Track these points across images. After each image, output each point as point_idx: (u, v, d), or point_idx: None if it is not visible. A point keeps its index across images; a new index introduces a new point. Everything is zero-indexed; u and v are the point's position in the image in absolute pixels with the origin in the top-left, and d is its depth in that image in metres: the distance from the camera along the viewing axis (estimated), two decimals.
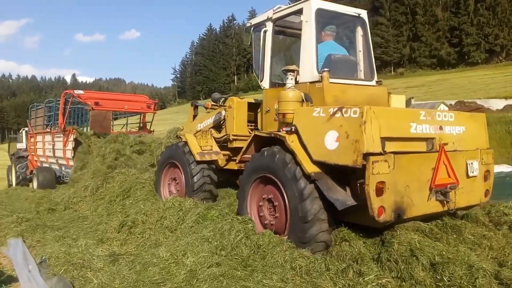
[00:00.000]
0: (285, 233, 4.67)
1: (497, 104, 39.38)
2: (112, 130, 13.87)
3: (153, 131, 13.74)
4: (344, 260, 4.14)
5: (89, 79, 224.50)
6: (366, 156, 3.96)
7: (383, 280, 3.61)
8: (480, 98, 42.26)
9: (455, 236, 4.48)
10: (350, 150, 4.07)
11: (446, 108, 39.61)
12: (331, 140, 4.30)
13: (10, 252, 5.12)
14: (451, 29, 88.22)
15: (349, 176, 4.34)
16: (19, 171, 15.22)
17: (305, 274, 3.83)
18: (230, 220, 4.73)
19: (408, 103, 44.58)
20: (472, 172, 4.89)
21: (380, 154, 4.04)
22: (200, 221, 5.12)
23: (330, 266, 3.88)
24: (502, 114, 26.88)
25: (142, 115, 14.20)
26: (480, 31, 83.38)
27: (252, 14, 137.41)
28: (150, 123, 13.99)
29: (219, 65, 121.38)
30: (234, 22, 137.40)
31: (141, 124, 14.24)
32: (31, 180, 13.71)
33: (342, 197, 4.28)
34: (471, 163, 4.89)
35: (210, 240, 4.41)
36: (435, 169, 4.47)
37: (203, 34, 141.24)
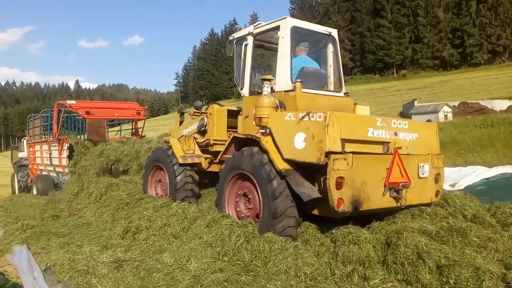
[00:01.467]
0: (257, 225, 5.04)
1: (501, 104, 39.22)
2: (108, 137, 14.38)
3: (145, 136, 14.16)
4: (350, 262, 4.13)
5: (93, 85, 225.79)
6: (328, 154, 4.52)
7: (389, 285, 3.59)
8: (483, 99, 42.17)
9: (460, 238, 4.45)
10: (315, 149, 4.64)
11: (450, 110, 39.61)
12: (299, 141, 4.85)
13: (15, 259, 5.15)
14: (453, 30, 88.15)
15: (314, 172, 4.83)
16: (20, 180, 15.89)
17: (309, 280, 3.81)
18: (229, 225, 4.74)
19: (411, 105, 44.60)
20: (423, 174, 5.44)
21: (340, 153, 4.59)
22: (204, 226, 5.11)
23: (335, 271, 3.86)
24: (505, 115, 26.71)
25: (134, 121, 14.80)
26: (483, 32, 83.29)
27: (254, 19, 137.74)
28: (141, 128, 14.62)
29: (222, 69, 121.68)
30: (236, 26, 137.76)
31: (133, 130, 14.81)
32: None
33: (308, 190, 4.78)
34: (423, 165, 5.44)
35: (213, 245, 4.41)
36: (389, 169, 5.01)
37: (205, 39, 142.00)
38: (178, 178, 6.79)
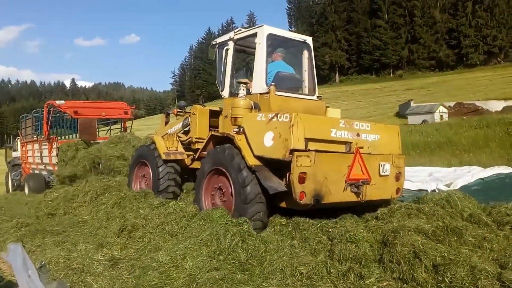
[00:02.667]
0: (230, 213, 5.42)
1: (496, 105, 39.43)
2: (98, 136, 14.56)
3: (133, 135, 14.36)
4: (346, 259, 4.14)
5: (89, 84, 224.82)
6: (292, 152, 4.93)
7: (384, 283, 3.60)
8: (479, 100, 42.33)
9: (456, 238, 4.47)
10: (281, 147, 5.06)
11: (445, 110, 39.76)
12: (268, 139, 5.28)
13: (9, 257, 5.12)
14: (449, 31, 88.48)
15: (282, 168, 5.15)
16: (14, 178, 16.31)
17: (305, 279, 3.81)
18: (224, 224, 4.75)
19: (407, 105, 44.70)
20: (384, 172, 5.84)
21: (303, 150, 5.00)
22: (202, 223, 5.12)
23: (331, 270, 3.86)
24: (501, 116, 26.86)
25: (122, 121, 15.29)
26: (478, 33, 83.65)
27: (251, 18, 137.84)
28: (129, 127, 15.13)
29: None
30: (233, 25, 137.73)
31: (122, 129, 15.26)
32: None
33: (275, 184, 5.14)
34: (384, 164, 5.84)
35: (208, 244, 4.41)
36: (350, 167, 5.42)
37: (202, 38, 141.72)
38: (161, 174, 7.14)
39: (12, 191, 16.08)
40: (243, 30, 6.81)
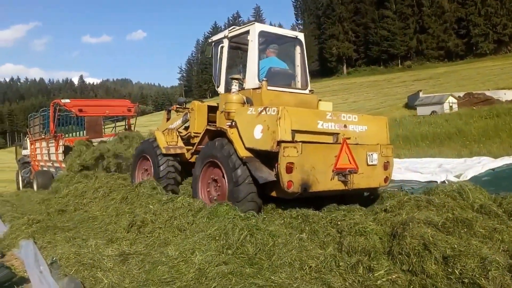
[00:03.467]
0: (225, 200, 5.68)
1: (507, 95, 38.95)
2: (104, 134, 15.03)
3: (137, 131, 14.78)
4: (356, 252, 4.12)
5: (97, 80, 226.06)
6: (279, 143, 5.16)
7: (393, 276, 3.58)
8: (489, 90, 41.82)
9: (466, 229, 4.42)
10: (270, 139, 5.31)
11: (455, 101, 39.37)
12: (258, 132, 5.53)
13: (21, 254, 5.18)
14: (458, 20, 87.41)
15: (273, 159, 5.37)
16: (24, 176, 16.76)
17: (314, 272, 3.81)
18: (232, 218, 4.75)
19: (416, 96, 44.33)
20: (372, 162, 6.05)
21: (290, 142, 5.23)
22: (210, 218, 5.14)
23: (340, 263, 3.86)
24: (511, 105, 26.53)
25: (127, 118, 15.65)
26: (488, 22, 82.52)
27: (257, 12, 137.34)
28: (133, 125, 15.48)
29: None
30: (239, 19, 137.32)
31: (126, 126, 15.62)
32: None
33: (265, 174, 5.41)
34: (371, 154, 6.05)
35: (216, 238, 4.41)
36: (337, 157, 5.65)
37: (208, 33, 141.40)
38: (161, 168, 7.44)
39: (22, 188, 16.40)
40: (237, 28, 7.05)
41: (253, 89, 6.38)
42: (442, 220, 4.46)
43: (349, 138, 5.81)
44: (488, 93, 39.97)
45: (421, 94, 44.73)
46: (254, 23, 6.66)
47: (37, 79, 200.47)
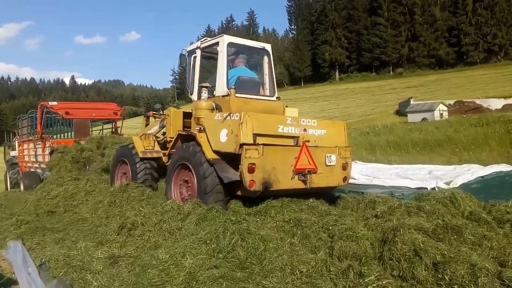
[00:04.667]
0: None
1: (496, 103, 39.39)
2: (91, 136, 15.10)
3: (123, 134, 15.32)
4: (346, 257, 4.13)
5: (88, 81, 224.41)
6: (242, 145, 5.57)
7: (384, 281, 3.59)
8: (479, 98, 42.27)
9: (456, 236, 4.46)
10: (233, 142, 5.73)
11: (445, 108, 39.72)
12: (223, 135, 5.95)
13: (9, 255, 5.12)
14: (450, 28, 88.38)
15: (237, 160, 5.73)
16: (12, 177, 16.99)
17: (305, 277, 3.81)
18: (223, 221, 4.75)
19: (407, 103, 44.66)
20: (330, 163, 6.52)
21: (252, 144, 5.65)
22: (199, 222, 5.11)
23: (330, 268, 3.86)
24: (501, 114, 26.86)
25: (113, 121, 16.05)
26: (479, 31, 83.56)
27: (251, 16, 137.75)
28: (120, 128, 15.92)
29: None
30: (233, 23, 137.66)
31: (113, 129, 16.00)
32: None
33: (230, 175, 5.82)
34: (330, 156, 6.52)
35: (207, 242, 4.40)
36: (297, 158, 6.08)
37: (201, 36, 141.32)
38: (138, 170, 7.85)
39: (11, 189, 16.50)
40: (209, 39, 7.43)
41: (222, 96, 6.81)
42: (432, 226, 4.49)
43: (308, 141, 6.26)
44: (478, 101, 40.40)
45: (412, 101, 45.05)
46: (223, 35, 7.14)
47: (28, 79, 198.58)
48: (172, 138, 7.48)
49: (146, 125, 9.07)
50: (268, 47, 7.72)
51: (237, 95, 6.71)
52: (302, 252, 4.36)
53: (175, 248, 4.37)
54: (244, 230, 4.51)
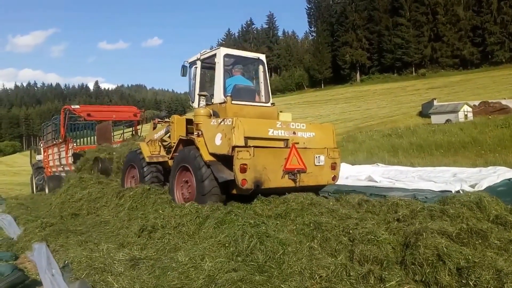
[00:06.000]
0: (193, 200, 6.55)
1: None
2: (113, 140, 15.60)
3: (144, 136, 15.29)
4: (367, 261, 4.07)
5: (112, 86, 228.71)
6: (234, 148, 6.13)
7: (406, 287, 3.52)
8: (505, 98, 41.14)
9: (480, 241, 4.34)
10: (226, 144, 6.28)
11: (470, 109, 38.84)
12: (218, 139, 6.47)
13: (34, 257, 5.24)
14: (474, 28, 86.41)
15: (230, 162, 6.23)
16: (37, 182, 17.71)
17: (324, 281, 3.77)
18: (242, 225, 4.75)
19: (430, 104, 43.87)
20: (319, 163, 7.05)
21: (243, 146, 6.19)
22: (217, 226, 5.12)
23: (350, 272, 3.80)
24: None
25: (134, 124, 16.63)
26: (504, 30, 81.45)
27: (270, 19, 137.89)
28: (140, 130, 16.51)
29: None
30: (253, 26, 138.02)
31: (133, 132, 16.58)
32: None
33: (225, 175, 6.31)
34: (318, 156, 7.05)
35: (226, 245, 4.40)
36: (287, 159, 6.60)
37: (222, 40, 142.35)
38: (145, 173, 8.43)
39: (36, 192, 17.26)
40: (208, 51, 7.95)
41: (220, 103, 7.36)
42: (456, 230, 4.38)
43: (298, 143, 6.78)
44: (504, 102, 39.31)
45: (435, 103, 44.16)
46: (219, 48, 7.73)
47: (54, 84, 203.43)
48: (176, 143, 7.93)
49: (154, 128, 9.58)
50: (262, 57, 8.30)
51: (233, 102, 7.23)
52: (322, 256, 4.32)
53: (194, 251, 4.39)
54: (262, 234, 4.49)
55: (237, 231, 4.56)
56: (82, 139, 17.16)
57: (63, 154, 14.26)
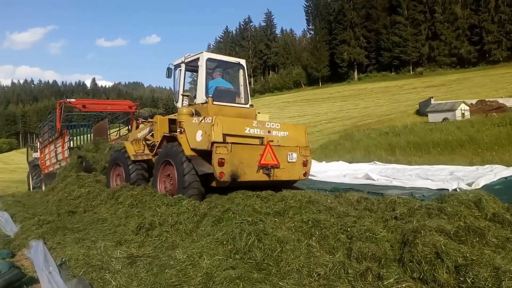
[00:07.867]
0: (175, 193, 7.00)
1: None
2: (110, 138, 15.69)
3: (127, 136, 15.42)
4: (365, 258, 4.07)
5: (109, 83, 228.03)
6: (213, 144, 6.64)
7: (403, 284, 3.52)
8: (502, 97, 41.35)
9: (478, 239, 4.35)
10: (206, 141, 6.79)
11: (467, 108, 38.93)
12: (199, 136, 6.99)
13: (31, 254, 5.21)
14: (471, 27, 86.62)
15: (210, 156, 6.71)
16: (34, 181, 17.93)
17: (322, 279, 3.76)
18: (240, 223, 4.74)
19: (427, 102, 43.95)
20: (291, 159, 7.62)
21: (221, 142, 6.71)
22: (215, 223, 5.12)
23: (349, 270, 3.80)
24: None
25: (129, 120, 16.46)
26: (501, 29, 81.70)
27: (268, 16, 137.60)
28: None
29: None
30: (251, 24, 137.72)
31: (129, 127, 16.16)
32: None
33: (204, 168, 6.80)
34: (291, 154, 7.63)
35: (224, 243, 4.39)
36: (262, 155, 7.10)
37: (219, 37, 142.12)
38: (131, 171, 8.79)
39: (33, 189, 17.30)
40: (192, 55, 8.39)
41: (202, 103, 7.83)
42: (454, 228, 4.39)
43: (272, 141, 7.30)
44: (501, 100, 39.48)
45: (432, 101, 44.27)
46: (202, 52, 8.14)
47: (51, 82, 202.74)
48: (159, 141, 8.38)
49: (137, 127, 9.98)
50: (243, 62, 8.86)
51: (214, 103, 7.70)
52: (320, 253, 4.32)
53: (192, 248, 4.38)
54: (260, 231, 4.48)
55: (235, 229, 4.54)
56: (79, 137, 17.06)
57: (59, 149, 14.31)
